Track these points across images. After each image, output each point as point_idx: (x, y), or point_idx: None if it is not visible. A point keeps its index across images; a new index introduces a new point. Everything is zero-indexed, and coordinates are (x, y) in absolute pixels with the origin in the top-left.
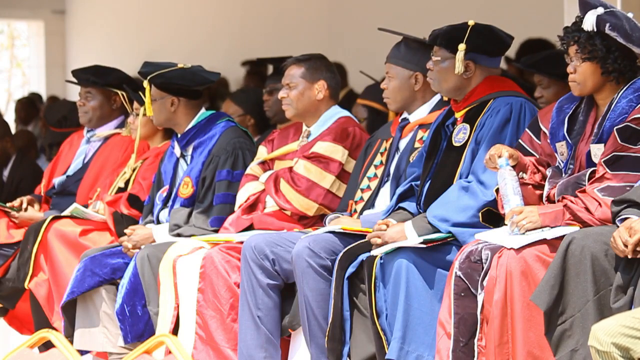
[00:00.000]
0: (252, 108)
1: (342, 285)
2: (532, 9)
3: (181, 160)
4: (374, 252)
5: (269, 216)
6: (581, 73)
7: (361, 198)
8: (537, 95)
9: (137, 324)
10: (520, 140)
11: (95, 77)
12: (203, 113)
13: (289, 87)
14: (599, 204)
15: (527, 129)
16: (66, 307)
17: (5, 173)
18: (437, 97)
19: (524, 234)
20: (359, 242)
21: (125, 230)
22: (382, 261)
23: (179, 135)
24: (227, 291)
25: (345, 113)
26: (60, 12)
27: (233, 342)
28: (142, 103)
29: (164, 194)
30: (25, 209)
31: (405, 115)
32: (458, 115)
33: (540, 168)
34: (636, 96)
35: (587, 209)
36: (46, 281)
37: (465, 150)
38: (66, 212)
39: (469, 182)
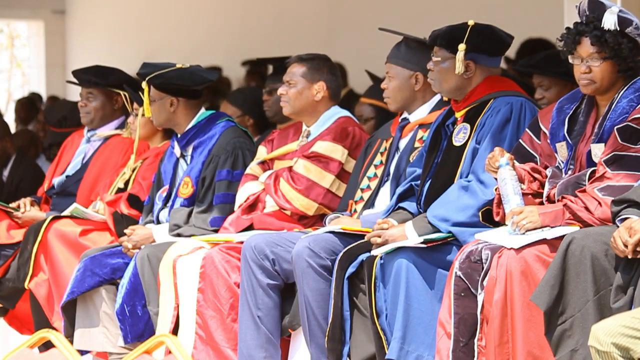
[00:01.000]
0: (250, 108)
1: (342, 285)
2: (532, 9)
3: (181, 160)
4: (374, 252)
5: (269, 216)
6: (599, 72)
7: (361, 198)
8: (537, 97)
9: (137, 324)
10: (520, 140)
11: (96, 78)
12: (203, 113)
13: (288, 84)
14: (599, 203)
15: (527, 129)
16: (66, 307)
17: (5, 173)
18: (437, 97)
19: (524, 234)
20: (359, 242)
21: (125, 231)
22: (382, 261)
23: (178, 135)
24: (227, 291)
25: (345, 113)
26: (60, 12)
27: (233, 342)
28: (142, 103)
29: (164, 194)
30: (29, 210)
31: (405, 115)
32: (458, 115)
33: (537, 176)
34: (637, 96)
35: (586, 209)
36: (46, 281)
37: (466, 150)
38: (66, 212)
39: (469, 181)
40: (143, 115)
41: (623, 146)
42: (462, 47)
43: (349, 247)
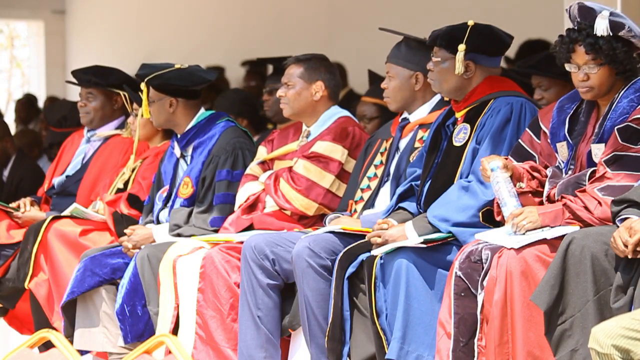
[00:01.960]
0: (240, 109)
1: (342, 285)
2: (532, 9)
3: (181, 161)
4: (374, 252)
5: (269, 216)
6: (597, 78)
7: (361, 198)
8: (536, 97)
9: (137, 324)
10: (520, 140)
11: (96, 78)
12: (202, 113)
13: (287, 86)
14: (599, 203)
15: (527, 129)
16: (66, 307)
17: (5, 173)
18: (437, 97)
19: (523, 234)
20: (359, 242)
21: (125, 231)
22: (382, 261)
23: (178, 136)
24: (227, 291)
25: (345, 113)
26: (60, 12)
27: (233, 342)
28: (141, 104)
29: (164, 194)
30: (29, 210)
31: (405, 115)
32: (458, 115)
33: (536, 175)
34: (637, 96)
35: (586, 208)
36: (46, 281)
37: (466, 150)
38: (66, 212)
39: (469, 181)
40: (143, 115)
41: (623, 146)
42: (462, 47)
43: (349, 247)
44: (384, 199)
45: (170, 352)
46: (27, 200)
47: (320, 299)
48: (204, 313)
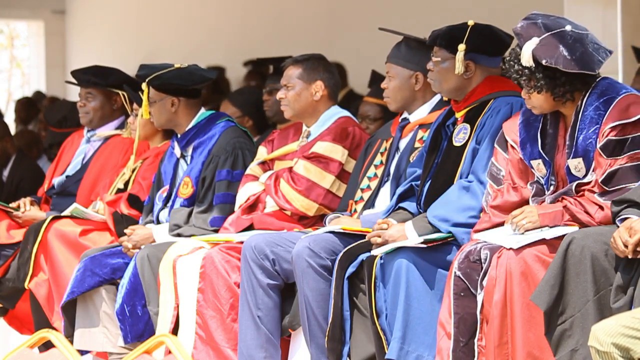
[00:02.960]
0: (249, 109)
1: (342, 285)
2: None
3: (181, 161)
4: (374, 252)
5: (269, 216)
6: (535, 101)
7: (361, 198)
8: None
9: (137, 324)
10: (492, 161)
11: (95, 78)
12: (203, 113)
13: (286, 87)
14: (600, 207)
15: (495, 145)
16: (66, 307)
17: (5, 173)
18: (437, 97)
19: (522, 233)
20: (359, 242)
21: (125, 231)
22: (382, 261)
23: (178, 136)
24: (227, 291)
25: (345, 113)
26: (60, 12)
27: (233, 342)
28: (141, 104)
29: (164, 194)
30: (29, 209)
31: (405, 115)
32: (458, 115)
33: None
34: (602, 102)
35: (586, 212)
36: (46, 281)
37: (466, 150)
38: (66, 212)
39: (469, 182)
40: (142, 116)
41: (612, 161)
42: (462, 47)
43: (349, 247)
44: (384, 199)
45: (170, 352)
46: (27, 200)
47: (320, 299)
48: (204, 313)
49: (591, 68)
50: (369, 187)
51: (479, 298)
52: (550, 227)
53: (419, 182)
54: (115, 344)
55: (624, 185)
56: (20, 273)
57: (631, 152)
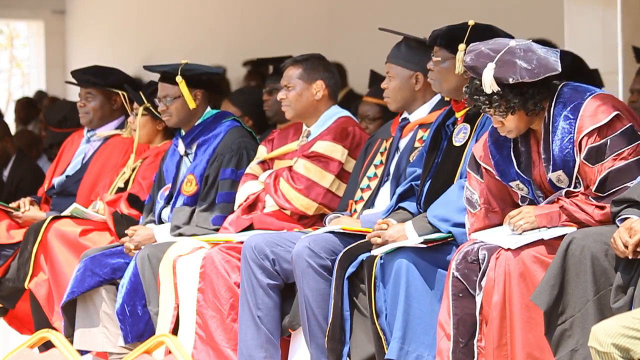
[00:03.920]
0: (250, 109)
1: (342, 285)
2: (532, 9)
3: (185, 159)
4: (374, 252)
5: (269, 216)
6: (510, 122)
7: (361, 198)
8: None
9: (138, 324)
10: (466, 185)
11: (95, 78)
12: (209, 111)
13: (287, 88)
14: (597, 206)
15: (468, 170)
16: (66, 307)
17: (5, 173)
18: (437, 97)
19: (520, 234)
20: (359, 242)
21: (127, 231)
22: (382, 261)
23: (182, 134)
24: (227, 291)
25: (345, 113)
26: (60, 12)
27: (233, 342)
28: (141, 103)
29: (166, 193)
30: (28, 209)
31: (405, 115)
32: (458, 115)
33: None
34: (570, 110)
35: (583, 210)
36: (46, 281)
37: (466, 150)
38: (66, 212)
39: None
40: (143, 115)
41: (599, 167)
42: (462, 47)
43: (349, 247)
44: (384, 199)
45: (170, 352)
46: (27, 200)
47: (320, 299)
48: (204, 313)
49: (553, 69)
50: (368, 186)
51: (478, 299)
52: (548, 227)
53: (419, 182)
54: (115, 344)
55: (618, 187)
56: (20, 273)
57: (614, 154)
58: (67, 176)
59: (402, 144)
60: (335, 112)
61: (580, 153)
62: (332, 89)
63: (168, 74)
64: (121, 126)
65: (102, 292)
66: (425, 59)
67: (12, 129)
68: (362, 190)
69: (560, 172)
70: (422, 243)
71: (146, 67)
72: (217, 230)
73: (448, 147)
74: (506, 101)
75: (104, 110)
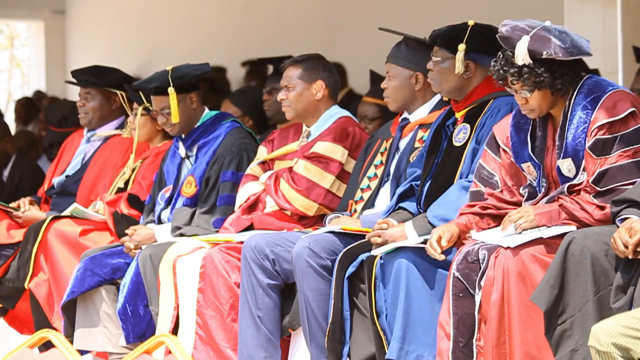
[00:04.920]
0: (250, 109)
1: (342, 285)
2: (532, 9)
3: (186, 161)
4: (374, 252)
5: (269, 216)
6: (534, 100)
7: (361, 198)
8: None
9: (139, 324)
10: (481, 162)
11: (94, 78)
12: (208, 113)
13: (287, 88)
14: (597, 206)
15: (485, 147)
16: (66, 307)
17: (5, 173)
18: (437, 97)
19: (519, 233)
20: (359, 242)
21: (127, 231)
22: (382, 261)
23: (183, 136)
24: (227, 291)
25: (345, 113)
26: (60, 12)
27: (233, 342)
28: (141, 103)
29: (167, 194)
30: (28, 209)
31: (405, 115)
32: (458, 115)
33: (490, 211)
34: (589, 101)
35: (583, 209)
36: (46, 281)
37: (466, 150)
38: (66, 212)
39: (469, 182)
40: (142, 114)
41: (601, 160)
42: (462, 47)
43: (349, 247)
44: (384, 199)
45: (170, 352)
46: (27, 200)
47: (320, 299)
48: (204, 313)
49: (586, 52)
50: (369, 187)
51: (477, 298)
52: (548, 226)
53: (419, 182)
54: (115, 344)
55: (615, 185)
56: (20, 273)
57: (621, 150)
58: (67, 176)
59: (402, 144)
60: (336, 112)
61: (588, 141)
62: (333, 88)
63: (159, 89)
64: (121, 126)
65: (102, 292)
66: (425, 59)
67: (12, 129)
68: (362, 190)
69: (569, 160)
70: (422, 243)
71: (134, 86)
72: (217, 231)
73: (448, 147)
74: (536, 75)
75: (103, 110)
